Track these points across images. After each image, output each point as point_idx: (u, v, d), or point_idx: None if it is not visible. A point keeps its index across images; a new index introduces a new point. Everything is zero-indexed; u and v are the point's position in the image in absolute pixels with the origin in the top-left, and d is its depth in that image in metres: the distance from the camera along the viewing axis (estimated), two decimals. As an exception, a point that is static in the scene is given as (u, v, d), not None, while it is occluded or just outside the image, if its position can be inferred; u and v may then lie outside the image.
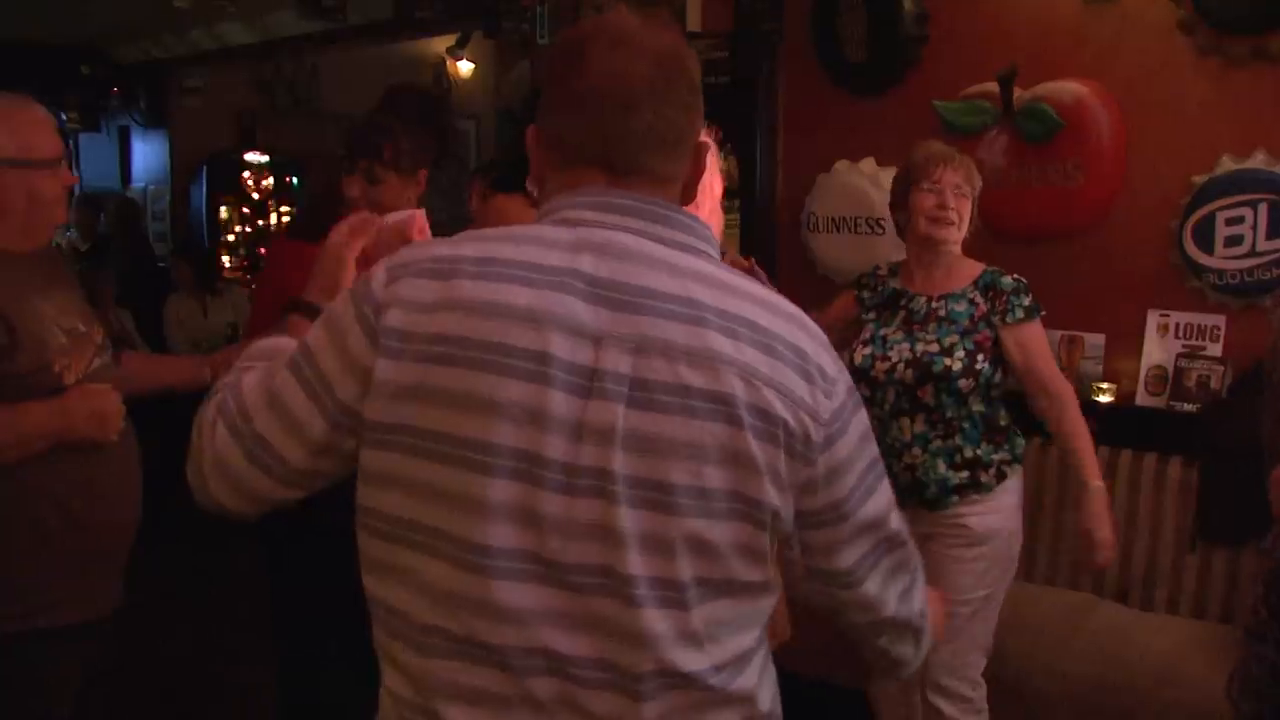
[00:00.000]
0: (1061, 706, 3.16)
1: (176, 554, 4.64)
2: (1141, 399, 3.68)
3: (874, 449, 1.28)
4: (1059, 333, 3.81)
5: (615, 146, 1.20)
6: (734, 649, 1.21)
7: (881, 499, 1.29)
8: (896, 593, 1.34)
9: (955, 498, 2.82)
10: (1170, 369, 3.61)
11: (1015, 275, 2.89)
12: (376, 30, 6.52)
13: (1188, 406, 3.55)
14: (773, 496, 1.17)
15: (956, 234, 2.87)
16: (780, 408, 1.15)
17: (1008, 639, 3.13)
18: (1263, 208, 3.41)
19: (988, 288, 2.88)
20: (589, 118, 1.20)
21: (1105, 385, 3.71)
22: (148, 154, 9.27)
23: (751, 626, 1.24)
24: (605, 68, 1.19)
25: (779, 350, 1.17)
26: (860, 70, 4.21)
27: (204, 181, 8.69)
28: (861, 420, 1.25)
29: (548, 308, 1.12)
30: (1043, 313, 2.88)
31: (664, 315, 1.14)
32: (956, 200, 2.84)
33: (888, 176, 4.11)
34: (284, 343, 1.41)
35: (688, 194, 1.27)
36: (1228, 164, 3.49)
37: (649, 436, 1.12)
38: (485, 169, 3.92)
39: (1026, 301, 2.85)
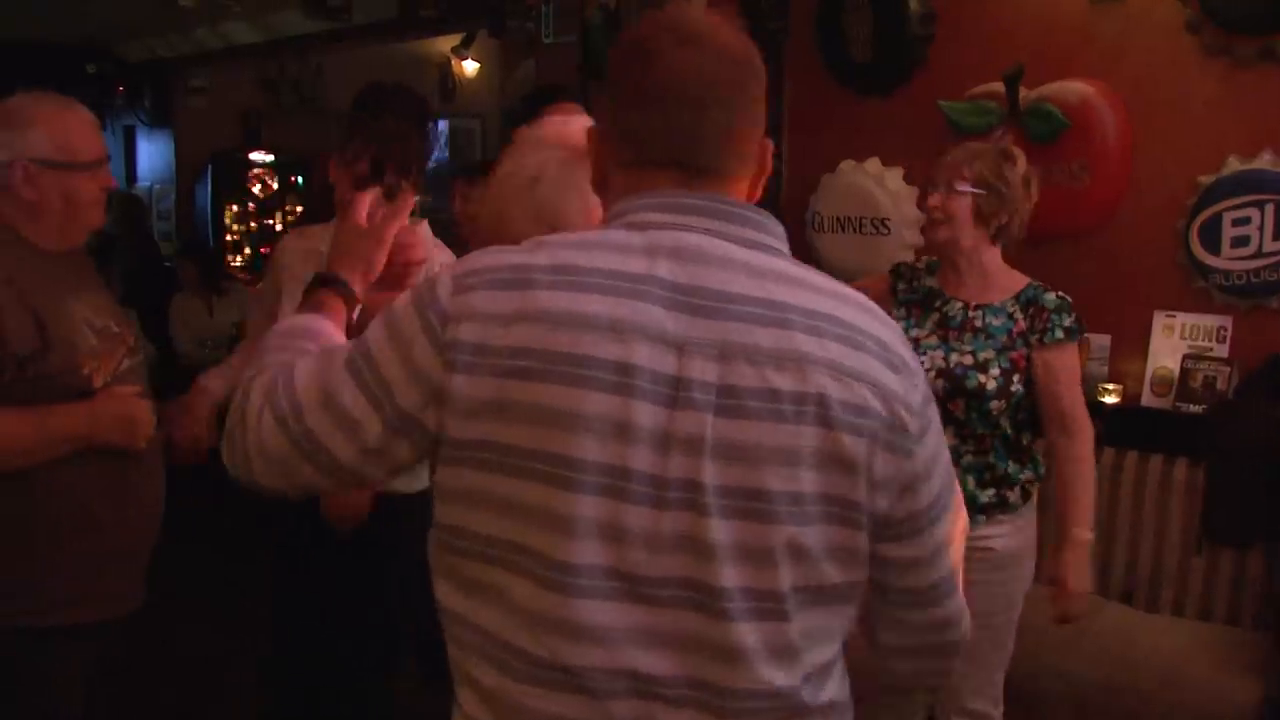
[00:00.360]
0: (1066, 708, 3.15)
1: (191, 554, 4.64)
2: (1147, 400, 3.68)
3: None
4: (1064, 333, 3.80)
5: (687, 146, 1.18)
6: (820, 659, 1.19)
7: (958, 495, 1.26)
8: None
9: (982, 517, 2.60)
10: (1176, 370, 3.60)
11: (1060, 293, 2.66)
12: (381, 29, 6.52)
13: (1194, 408, 3.53)
14: (868, 495, 1.14)
15: (946, 233, 2.65)
16: (874, 401, 1.13)
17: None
18: (1269, 208, 3.40)
19: (1029, 303, 2.65)
20: (661, 117, 1.17)
21: (1111, 386, 3.70)
22: (153, 153, 9.28)
23: (836, 636, 1.21)
24: (679, 66, 1.16)
25: (863, 343, 1.15)
26: (866, 70, 4.21)
27: (209, 181, 8.70)
28: (936, 412, 1.23)
29: (628, 316, 1.09)
30: (1084, 335, 2.69)
31: (746, 319, 1.11)
32: (947, 198, 2.63)
33: (893, 176, 4.14)
34: (315, 323, 1.38)
35: (754, 192, 1.25)
36: (1234, 164, 3.48)
37: (739, 444, 1.09)
38: (468, 170, 3.91)
39: (1068, 322, 2.61)
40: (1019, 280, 2.70)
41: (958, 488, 1.27)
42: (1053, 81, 3.76)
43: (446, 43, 7.46)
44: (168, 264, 7.82)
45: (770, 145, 1.25)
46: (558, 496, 1.09)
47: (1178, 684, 3.05)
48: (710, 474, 1.09)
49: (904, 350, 1.19)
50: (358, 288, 1.51)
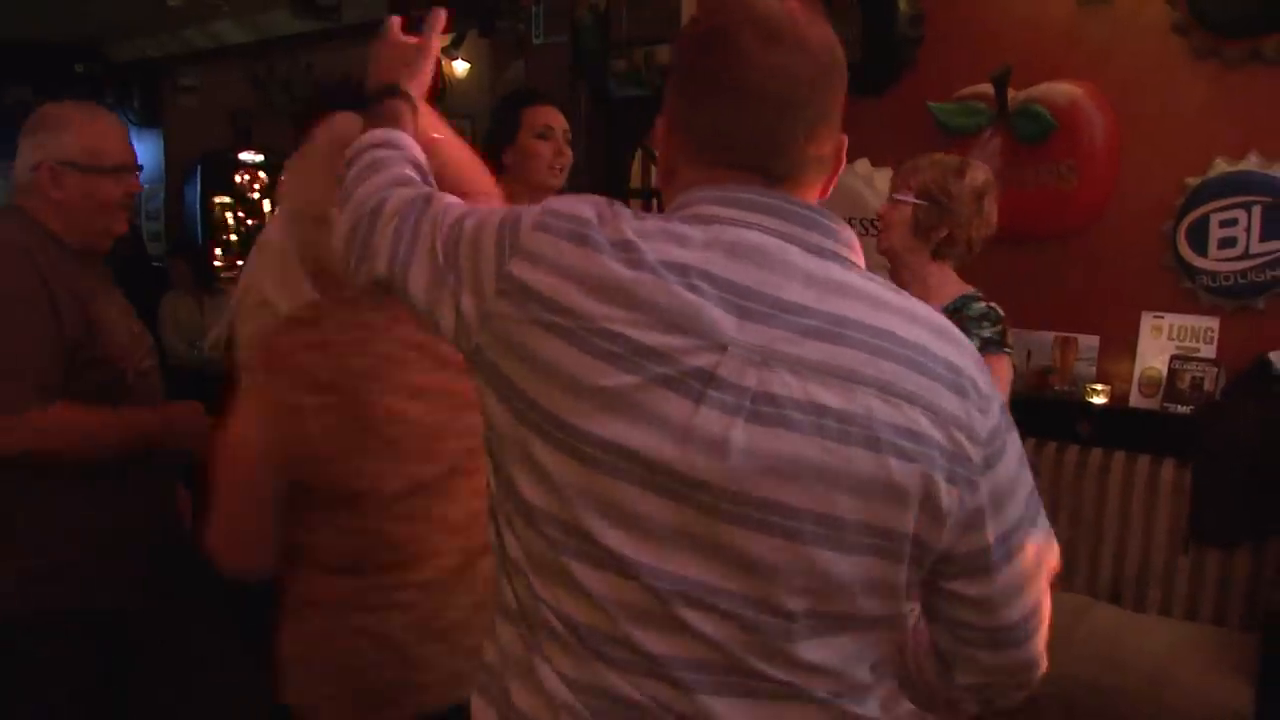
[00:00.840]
0: (1054, 708, 3.16)
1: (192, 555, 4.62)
2: (1135, 400, 3.69)
3: (1030, 475, 1.17)
4: (1053, 334, 3.82)
5: (766, 148, 1.13)
6: (850, 681, 1.14)
7: (1045, 531, 1.17)
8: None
9: None
10: (1164, 371, 3.61)
11: (992, 304, 2.54)
12: (371, 29, 6.44)
13: (1181, 408, 3.55)
14: (925, 528, 1.07)
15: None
16: (929, 426, 1.06)
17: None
18: (1256, 210, 3.42)
19: (954, 313, 2.50)
20: (743, 117, 1.12)
21: (1099, 387, 3.72)
22: (142, 153, 9.22)
23: (868, 658, 1.15)
24: (766, 65, 1.10)
25: (925, 364, 1.07)
26: (855, 71, 4.18)
27: (199, 181, 8.67)
28: (1017, 442, 1.14)
29: (673, 307, 1.06)
30: (1008, 349, 2.52)
31: (795, 329, 1.06)
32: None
33: (882, 177, 4.14)
34: (395, 135, 1.43)
35: (825, 191, 1.20)
36: (1222, 166, 3.50)
37: (773, 455, 1.04)
38: None
39: (987, 332, 2.48)
40: (957, 288, 2.60)
41: (1046, 525, 1.18)
42: (1041, 83, 3.78)
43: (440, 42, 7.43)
44: (157, 264, 7.80)
45: (845, 141, 1.19)
46: (560, 460, 1.09)
47: (1165, 684, 3.05)
48: (731, 478, 1.05)
49: (977, 375, 1.11)
50: (416, 94, 1.53)
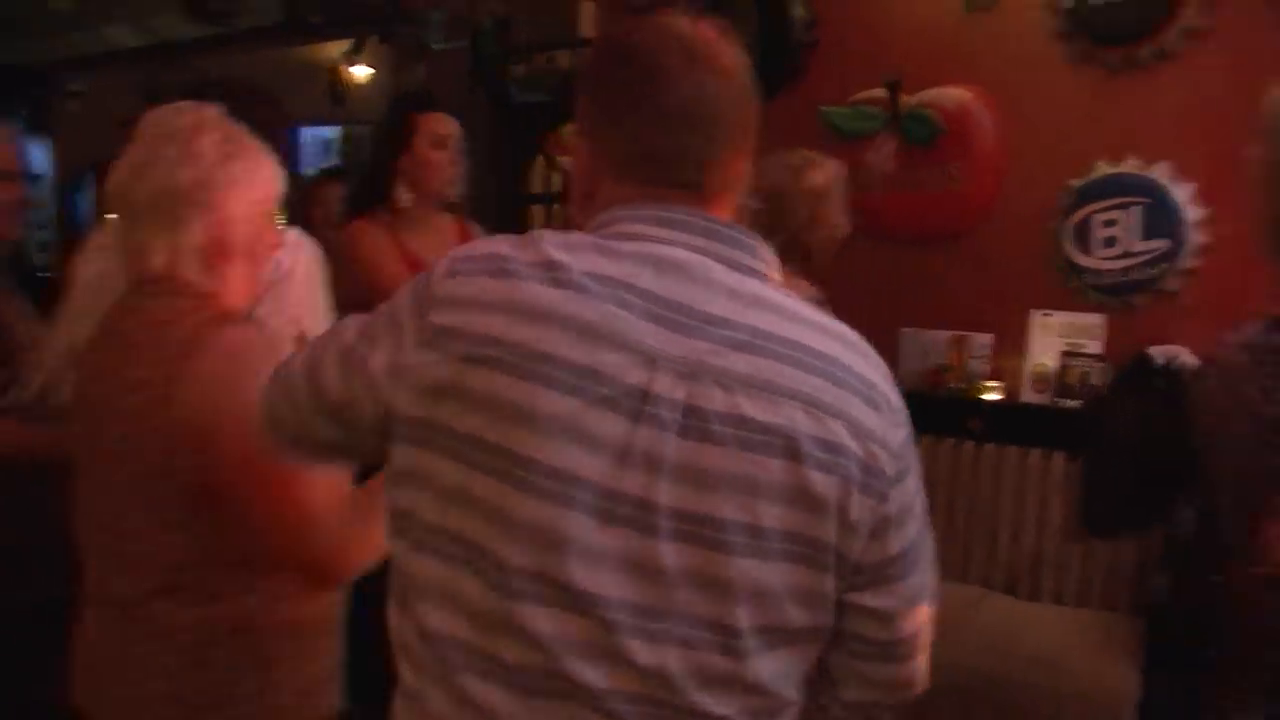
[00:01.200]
0: (951, 698, 3.23)
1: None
2: (1027, 396, 3.79)
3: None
4: (947, 333, 3.91)
5: (689, 166, 1.16)
6: (778, 699, 1.15)
7: (931, 547, 1.22)
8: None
9: None
10: (1054, 367, 3.72)
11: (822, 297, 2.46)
12: (267, 35, 6.42)
13: (1070, 403, 3.66)
14: (839, 537, 1.10)
15: None
16: (848, 439, 1.09)
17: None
18: (1135, 210, 3.55)
19: None
20: (668, 137, 1.15)
21: (992, 384, 3.82)
22: (31, 160, 8.99)
23: (795, 680, 1.17)
24: (690, 87, 1.14)
25: (844, 379, 1.11)
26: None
27: (87, 189, 8.46)
28: (916, 457, 1.19)
29: (602, 322, 1.07)
30: None
31: (722, 341, 1.08)
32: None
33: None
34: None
35: (734, 208, 1.23)
36: (1102, 168, 3.62)
37: (700, 469, 1.06)
38: (328, 173, 3.81)
39: None
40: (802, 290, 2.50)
41: (932, 551, 1.22)
42: (932, 88, 3.87)
43: (335, 48, 7.36)
44: (45, 275, 7.58)
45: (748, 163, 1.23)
46: (505, 493, 1.07)
47: (1058, 670, 3.14)
48: (665, 495, 1.06)
49: (889, 390, 1.16)
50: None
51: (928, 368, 3.94)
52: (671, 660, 1.08)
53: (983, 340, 3.86)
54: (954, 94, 3.81)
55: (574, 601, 1.07)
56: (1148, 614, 3.26)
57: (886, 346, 4.09)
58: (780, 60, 4.16)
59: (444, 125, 2.85)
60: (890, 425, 1.13)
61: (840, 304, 4.06)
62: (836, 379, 1.10)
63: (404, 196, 2.83)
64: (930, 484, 3.17)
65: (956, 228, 3.85)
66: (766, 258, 1.19)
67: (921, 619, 1.21)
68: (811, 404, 1.08)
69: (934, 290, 3.93)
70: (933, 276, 3.94)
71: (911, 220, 3.90)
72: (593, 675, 1.08)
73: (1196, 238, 3.49)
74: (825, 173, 2.57)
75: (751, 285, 1.14)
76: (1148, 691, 3.04)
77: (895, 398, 1.16)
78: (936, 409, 3.73)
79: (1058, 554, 3.59)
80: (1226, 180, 3.41)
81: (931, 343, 3.93)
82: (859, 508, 1.10)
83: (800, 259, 2.52)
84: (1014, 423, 3.73)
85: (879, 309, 3.92)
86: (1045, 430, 3.67)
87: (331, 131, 8.02)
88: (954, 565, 3.73)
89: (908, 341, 3.96)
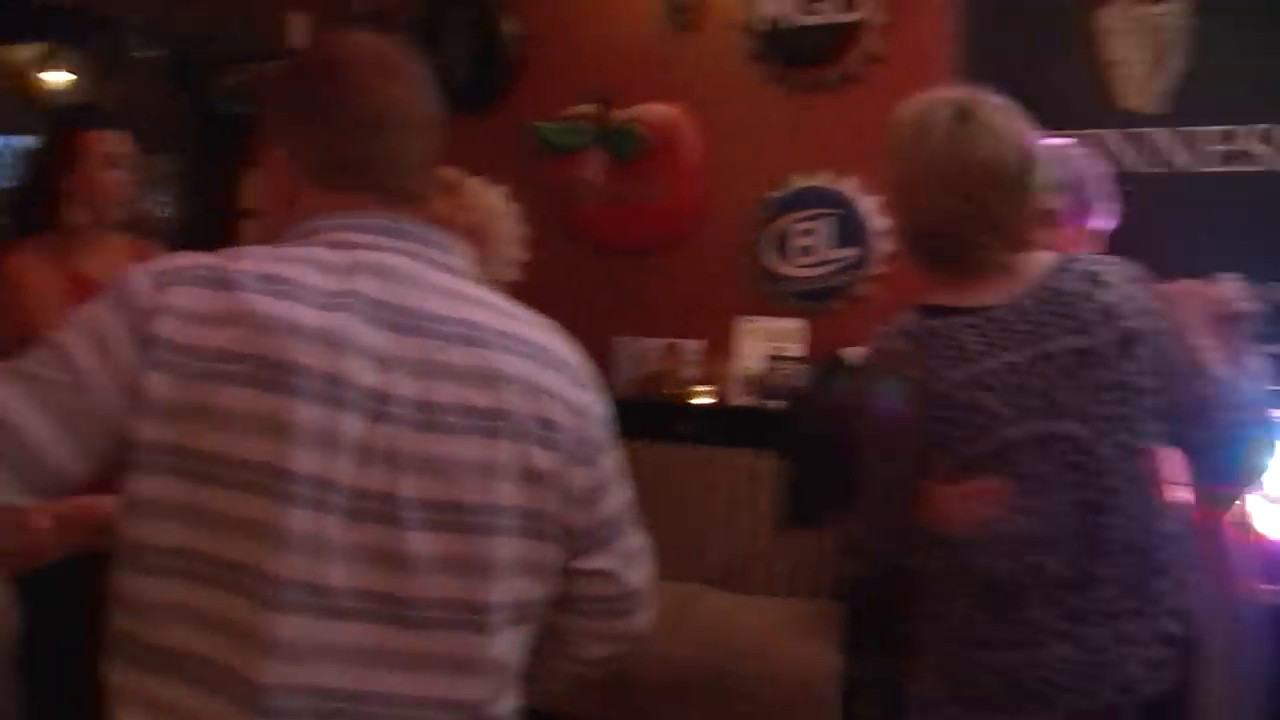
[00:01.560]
0: (669, 693, 3.34)
1: None
2: (736, 399, 3.98)
3: None
4: (661, 340, 4.05)
5: (389, 172, 1.22)
6: (511, 674, 1.22)
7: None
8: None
9: None
10: (759, 370, 3.92)
11: None
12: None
13: (776, 404, 3.86)
14: (561, 508, 1.19)
15: None
16: (563, 415, 1.19)
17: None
18: (828, 221, 3.81)
19: None
20: (369, 143, 1.21)
21: (704, 388, 3.98)
22: None
23: (524, 650, 1.23)
24: (386, 94, 1.21)
25: (551, 361, 1.21)
26: (461, 89, 4.28)
27: None
28: (613, 430, 1.30)
29: (337, 328, 1.10)
30: None
31: (444, 337, 1.15)
32: None
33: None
34: None
35: (425, 214, 1.29)
36: (798, 182, 3.87)
37: (438, 458, 1.12)
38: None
39: None
40: None
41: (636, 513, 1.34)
42: (640, 104, 4.01)
43: (28, 51, 6.89)
44: None
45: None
46: (268, 508, 1.06)
47: (768, 657, 3.31)
48: (408, 487, 1.10)
49: (587, 369, 1.27)
50: None
51: (642, 375, 4.07)
52: (434, 645, 1.13)
53: (693, 347, 4.02)
54: (660, 110, 3.97)
55: (328, 603, 1.09)
56: (845, 598, 3.48)
57: (601, 355, 4.23)
58: (492, 75, 4.22)
59: (114, 144, 2.69)
60: (594, 399, 1.25)
61: (553, 314, 4.13)
62: (546, 362, 1.21)
63: (73, 218, 2.65)
64: (647, 486, 3.27)
65: (665, 239, 4.01)
66: (462, 254, 1.28)
67: (644, 573, 1.34)
68: (528, 387, 1.17)
69: (646, 299, 4.07)
70: (644, 286, 4.08)
71: (622, 232, 4.03)
72: (338, 678, 1.09)
73: (883, 246, 3.76)
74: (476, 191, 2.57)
75: (457, 283, 1.22)
76: (848, 670, 3.25)
77: (592, 377, 1.28)
78: (651, 414, 3.86)
79: (768, 547, 3.78)
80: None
81: (645, 350, 4.07)
82: (574, 477, 1.20)
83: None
84: (724, 424, 3.90)
85: (593, 319, 3.98)
86: (753, 430, 3.85)
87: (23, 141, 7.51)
88: (671, 564, 3.80)
89: (622, 350, 4.08)
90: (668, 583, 3.69)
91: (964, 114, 1.70)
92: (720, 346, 4.01)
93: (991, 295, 1.71)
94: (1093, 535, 1.68)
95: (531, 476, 1.16)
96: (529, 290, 2.94)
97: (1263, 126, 3.44)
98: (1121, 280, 1.70)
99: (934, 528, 1.75)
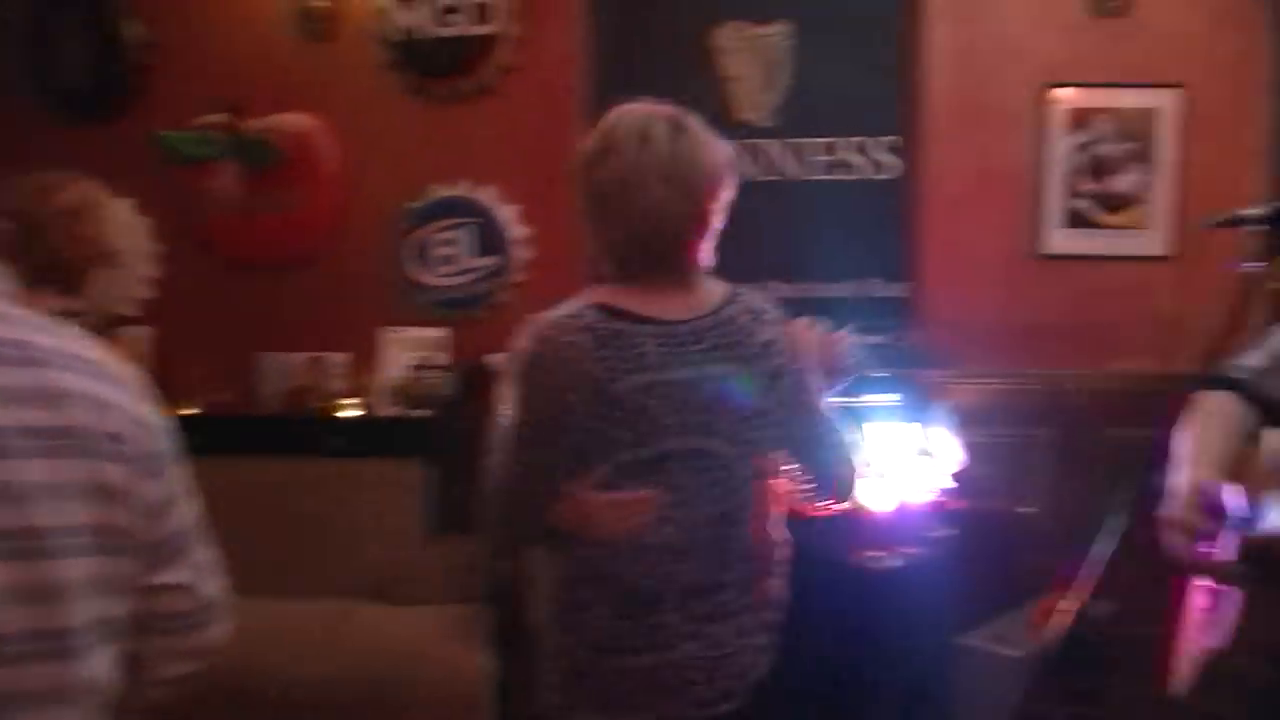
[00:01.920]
0: (327, 712, 3.28)
1: None
2: (383, 410, 3.96)
3: None
4: (304, 354, 3.98)
5: None
6: (107, 697, 1.17)
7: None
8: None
9: None
10: (405, 380, 3.92)
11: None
12: None
13: (422, 413, 3.87)
14: (133, 521, 1.16)
15: None
16: (129, 428, 1.17)
17: (268, 655, 3.21)
18: (469, 230, 3.88)
19: None
20: None
21: (351, 400, 3.94)
22: None
23: (116, 670, 1.19)
24: None
25: (110, 376, 1.18)
26: (82, 97, 4.05)
27: None
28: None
29: None
30: None
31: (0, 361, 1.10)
32: None
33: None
34: None
35: None
36: (437, 191, 3.91)
37: (8, 485, 1.06)
38: None
39: None
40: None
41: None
42: (274, 114, 3.93)
43: None
44: None
45: None
46: None
47: (422, 665, 3.32)
48: None
49: (142, 385, 1.24)
50: None
51: (287, 390, 3.98)
52: (22, 681, 1.07)
53: (338, 359, 3.98)
54: (294, 120, 3.91)
55: None
56: (494, 601, 3.53)
57: (244, 372, 4.11)
58: (113, 82, 4.01)
59: None
60: (154, 412, 1.23)
61: (191, 331, 4.02)
62: (105, 377, 1.18)
63: None
64: (295, 503, 3.21)
65: (304, 251, 3.94)
66: (4, 277, 1.22)
67: (218, 584, 1.33)
68: (94, 403, 1.14)
69: (287, 313, 3.99)
70: (285, 299, 3.99)
71: (258, 245, 3.93)
72: None
73: (522, 254, 3.86)
74: (78, 191, 2.46)
75: (8, 307, 1.17)
76: (501, 672, 3.30)
77: (149, 392, 1.26)
78: (298, 429, 3.79)
79: (421, 556, 3.78)
80: (543, 201, 3.84)
81: (289, 365, 3.98)
82: (145, 489, 1.18)
83: (64, 278, 2.37)
84: (372, 436, 3.88)
85: (233, 334, 3.90)
86: (401, 440, 3.84)
87: None
88: (323, 581, 3.78)
89: (266, 365, 3.98)
90: (319, 602, 3.68)
91: (678, 125, 1.83)
92: (365, 358, 3.98)
93: (675, 311, 1.82)
94: (723, 545, 1.85)
95: (103, 492, 1.14)
96: (163, 307, 2.87)
97: (858, 139, 3.83)
98: (775, 320, 1.91)
99: (577, 534, 1.82)
